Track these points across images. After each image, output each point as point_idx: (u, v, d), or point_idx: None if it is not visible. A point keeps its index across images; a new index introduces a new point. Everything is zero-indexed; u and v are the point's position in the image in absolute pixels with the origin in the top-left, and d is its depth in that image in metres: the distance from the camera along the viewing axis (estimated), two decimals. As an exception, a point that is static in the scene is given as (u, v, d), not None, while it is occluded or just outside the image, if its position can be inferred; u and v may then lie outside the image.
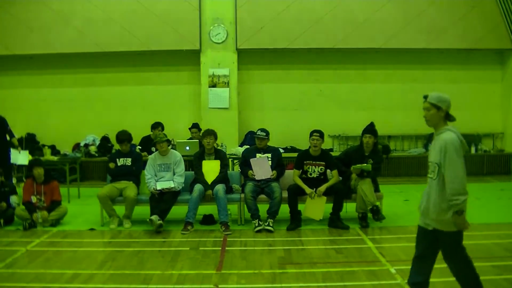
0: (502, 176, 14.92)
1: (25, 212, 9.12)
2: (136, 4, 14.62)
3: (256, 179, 9.34)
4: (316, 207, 9.06)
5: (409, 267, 5.15)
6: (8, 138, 11.41)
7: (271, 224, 8.85)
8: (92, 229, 9.06)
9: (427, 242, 5.06)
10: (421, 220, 5.11)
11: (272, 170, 9.41)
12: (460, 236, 4.93)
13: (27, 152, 11.63)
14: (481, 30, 15.04)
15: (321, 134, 9.28)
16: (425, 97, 5.06)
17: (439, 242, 5.01)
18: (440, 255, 5.08)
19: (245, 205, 9.29)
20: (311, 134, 9.30)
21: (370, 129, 9.40)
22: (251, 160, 9.49)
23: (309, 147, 9.38)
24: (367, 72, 15.71)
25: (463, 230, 4.88)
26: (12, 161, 11.25)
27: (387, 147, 14.92)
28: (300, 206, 9.17)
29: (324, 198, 9.07)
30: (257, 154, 9.58)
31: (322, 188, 9.07)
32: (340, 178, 9.45)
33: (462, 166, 4.78)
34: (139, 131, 12.41)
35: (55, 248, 7.94)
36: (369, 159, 9.33)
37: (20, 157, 11.29)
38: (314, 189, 9.09)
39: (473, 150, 15.44)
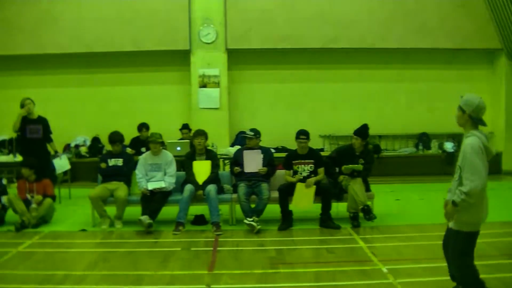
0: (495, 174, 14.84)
1: (19, 201, 9.17)
2: (125, 4, 14.57)
3: (245, 171, 9.35)
4: (305, 195, 9.02)
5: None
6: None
7: (255, 220, 8.77)
8: (83, 230, 9.03)
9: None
10: None
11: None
12: (466, 240, 4.94)
13: (65, 155, 11.77)
14: (469, 29, 15.11)
15: (307, 136, 9.33)
16: (461, 97, 5.10)
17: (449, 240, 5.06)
18: None
19: (236, 206, 9.28)
20: (297, 136, 9.34)
21: (358, 131, 9.45)
22: (244, 152, 9.50)
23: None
24: (361, 71, 15.76)
25: (447, 220, 5.00)
26: (57, 171, 11.12)
27: (378, 147, 14.98)
28: (292, 206, 9.16)
29: (314, 187, 9.05)
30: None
31: (311, 179, 9.10)
32: (329, 178, 9.51)
33: (483, 167, 4.80)
34: (129, 131, 12.33)
35: (46, 249, 7.91)
36: (360, 159, 9.38)
37: (62, 163, 11.21)
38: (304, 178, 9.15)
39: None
